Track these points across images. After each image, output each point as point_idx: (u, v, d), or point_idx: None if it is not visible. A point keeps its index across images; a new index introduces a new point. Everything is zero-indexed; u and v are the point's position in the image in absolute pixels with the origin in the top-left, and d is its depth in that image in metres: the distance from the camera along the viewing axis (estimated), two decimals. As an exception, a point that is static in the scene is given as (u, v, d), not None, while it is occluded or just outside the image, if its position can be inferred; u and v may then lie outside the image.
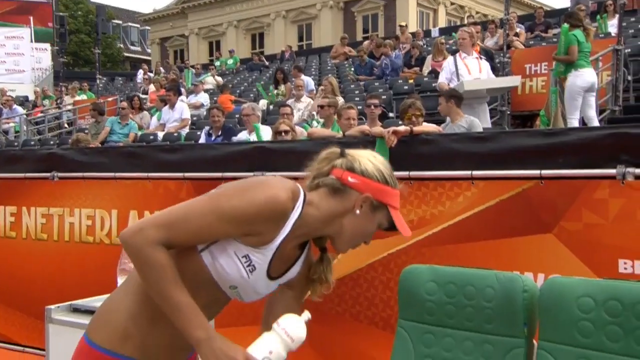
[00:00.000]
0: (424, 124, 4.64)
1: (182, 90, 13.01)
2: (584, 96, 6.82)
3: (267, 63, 18.35)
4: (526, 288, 2.20)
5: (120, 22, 41.01)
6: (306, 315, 1.52)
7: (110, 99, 14.50)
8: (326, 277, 1.67)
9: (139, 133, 9.56)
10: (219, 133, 7.36)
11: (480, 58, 7.34)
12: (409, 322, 2.42)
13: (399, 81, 10.67)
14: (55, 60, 19.85)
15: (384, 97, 9.33)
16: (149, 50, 41.03)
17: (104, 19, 17.70)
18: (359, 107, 6.84)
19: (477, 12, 31.42)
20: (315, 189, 1.59)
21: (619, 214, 2.73)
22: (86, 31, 33.57)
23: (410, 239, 3.15)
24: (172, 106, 9.60)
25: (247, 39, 34.78)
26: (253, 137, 6.20)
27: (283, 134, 5.24)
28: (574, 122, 6.71)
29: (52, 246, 4.55)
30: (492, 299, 2.25)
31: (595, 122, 6.97)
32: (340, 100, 7.82)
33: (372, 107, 5.77)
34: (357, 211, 1.56)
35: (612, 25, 10.57)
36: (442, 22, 29.66)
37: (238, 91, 13.92)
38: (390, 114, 9.07)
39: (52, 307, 3.12)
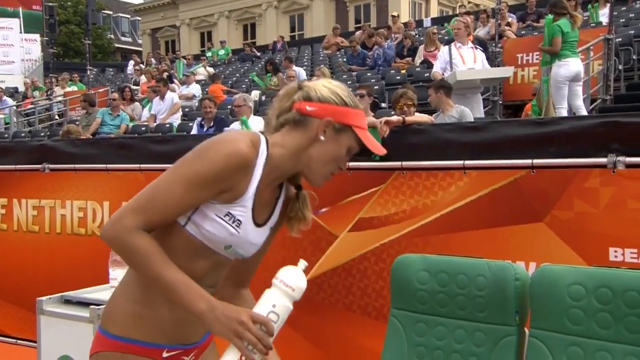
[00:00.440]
0: (417, 114, 4.65)
1: (175, 81, 12.95)
2: (569, 86, 6.82)
3: (258, 54, 18.27)
4: (518, 276, 2.21)
5: (110, 12, 40.66)
6: (302, 263, 1.53)
7: (101, 90, 14.39)
8: (303, 213, 1.66)
9: (131, 124, 9.53)
10: (211, 124, 7.33)
11: (476, 48, 7.34)
12: (401, 311, 2.43)
13: (391, 71, 10.66)
14: (45, 51, 19.73)
15: (376, 87, 9.32)
16: (140, 41, 40.73)
17: (94, 9, 17.57)
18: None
19: (469, 2, 31.34)
20: (279, 128, 1.59)
21: (609, 203, 2.75)
22: (76, 22, 33.29)
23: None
24: (162, 97, 9.68)
25: (238, 30, 34.58)
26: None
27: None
28: (563, 112, 6.71)
29: (44, 238, 4.53)
30: (484, 288, 2.26)
31: (583, 112, 6.97)
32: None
33: (359, 97, 5.77)
34: (321, 137, 1.55)
35: (604, 14, 10.57)
36: (434, 12, 29.60)
37: (230, 82, 13.86)
38: (383, 104, 9.07)
39: (44, 298, 3.11)
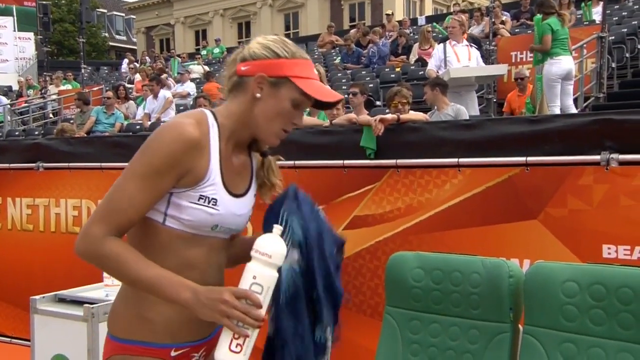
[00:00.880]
0: (411, 112, 4.65)
1: (171, 80, 12.89)
2: (561, 84, 6.83)
3: (254, 52, 18.20)
4: (512, 273, 2.22)
5: (105, 11, 40.48)
6: (277, 229, 1.51)
7: (95, 89, 14.35)
8: (269, 180, 1.66)
9: (125, 123, 9.51)
10: (206, 122, 7.32)
11: (471, 46, 7.35)
12: (395, 308, 2.43)
13: (386, 69, 10.67)
14: (39, 50, 19.65)
15: (370, 85, 9.32)
16: (134, 40, 40.58)
17: (88, 7, 17.45)
18: (346, 96, 6.83)
19: (464, 0, 31.39)
20: (229, 95, 1.58)
21: (603, 200, 2.76)
22: (70, 20, 33.14)
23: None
24: (156, 96, 9.78)
25: (233, 28, 34.51)
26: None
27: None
28: (556, 110, 6.73)
29: (38, 237, 4.52)
30: (478, 285, 2.27)
31: (573, 111, 6.99)
32: (327, 89, 7.79)
33: (351, 95, 5.78)
34: (258, 94, 1.52)
35: (597, 12, 10.61)
36: (429, 11, 29.60)
37: (225, 80, 13.81)
38: (378, 102, 9.07)
39: (37, 297, 3.10)
